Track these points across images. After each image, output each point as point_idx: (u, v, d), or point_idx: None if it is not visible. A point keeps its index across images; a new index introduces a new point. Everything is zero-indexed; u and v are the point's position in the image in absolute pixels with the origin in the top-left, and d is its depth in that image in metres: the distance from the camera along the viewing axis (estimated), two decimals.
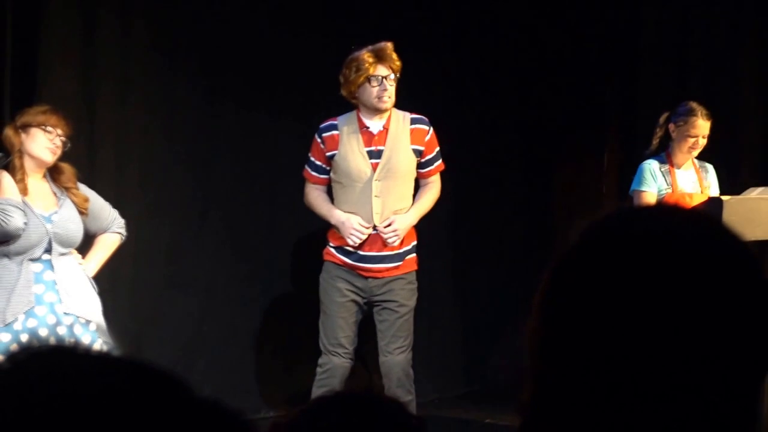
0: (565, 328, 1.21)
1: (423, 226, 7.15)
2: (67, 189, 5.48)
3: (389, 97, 6.00)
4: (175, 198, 7.18)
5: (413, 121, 6.16)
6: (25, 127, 5.36)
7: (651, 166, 6.42)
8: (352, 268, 6.08)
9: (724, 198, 6.13)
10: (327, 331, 6.10)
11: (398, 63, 6.03)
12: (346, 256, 6.07)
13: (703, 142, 6.38)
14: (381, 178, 6.04)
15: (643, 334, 1.17)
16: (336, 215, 6.05)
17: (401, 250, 6.09)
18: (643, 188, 6.38)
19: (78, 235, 5.43)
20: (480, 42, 8.10)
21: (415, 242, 6.18)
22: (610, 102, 8.08)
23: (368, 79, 5.97)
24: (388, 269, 6.07)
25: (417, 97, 7.49)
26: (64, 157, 5.48)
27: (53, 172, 5.46)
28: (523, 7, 8.23)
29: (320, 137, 6.11)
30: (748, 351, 1.19)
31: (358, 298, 6.10)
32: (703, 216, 1.32)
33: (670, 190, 6.36)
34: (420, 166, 6.20)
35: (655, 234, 1.23)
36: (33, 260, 5.26)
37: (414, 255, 6.18)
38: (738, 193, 6.28)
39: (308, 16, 7.30)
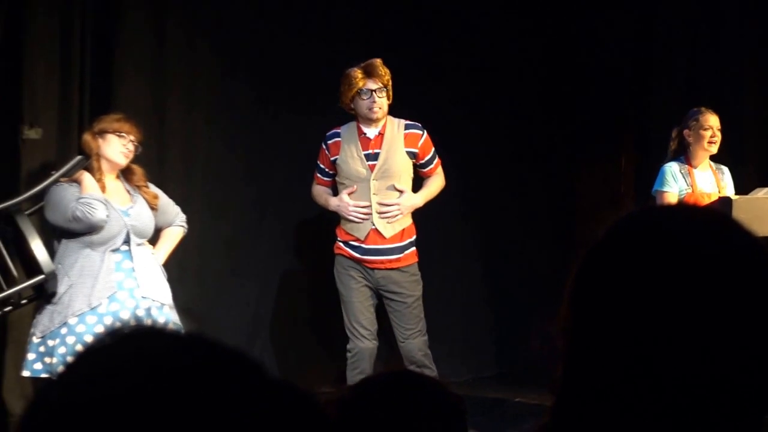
0: (593, 313, 1.22)
1: (457, 220, 7.16)
2: (138, 187, 5.57)
3: (379, 108, 6.07)
4: (235, 196, 7.24)
5: (407, 127, 6.22)
6: (102, 133, 5.45)
7: (672, 168, 6.35)
8: (358, 261, 6.14)
9: (734, 197, 6.11)
10: (349, 317, 6.17)
11: (387, 77, 6.09)
12: (353, 250, 6.15)
13: (718, 134, 6.29)
14: (378, 178, 6.12)
15: (665, 320, 1.17)
16: (331, 201, 6.24)
17: (401, 244, 6.14)
18: (665, 189, 6.31)
19: (151, 227, 5.53)
20: (512, 55, 8.08)
21: (414, 237, 6.21)
22: (627, 110, 8.04)
23: (359, 93, 6.06)
24: (389, 261, 6.11)
25: (452, 101, 7.50)
26: (136, 159, 5.55)
27: (126, 173, 5.56)
28: (552, 23, 8.20)
29: (325, 144, 6.24)
30: (761, 337, 1.20)
31: (370, 284, 6.16)
32: (718, 214, 1.32)
33: (690, 190, 6.27)
34: (421, 166, 6.29)
35: (676, 230, 1.24)
36: (113, 251, 5.33)
37: (414, 249, 6.21)
38: (745, 193, 6.25)
39: (353, 39, 7.30)
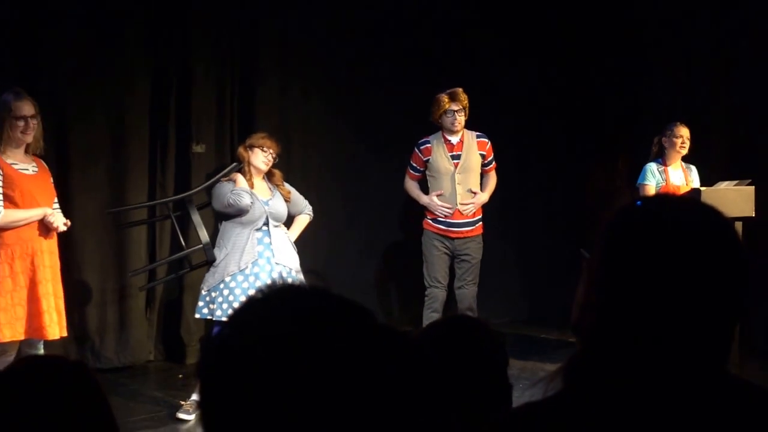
0: (620, 272, 1.20)
1: (504, 204, 7.10)
2: (277, 186, 5.56)
3: (459, 124, 6.07)
4: (343, 194, 7.31)
5: (478, 136, 6.21)
6: (251, 147, 5.46)
7: (651, 167, 6.26)
8: (442, 233, 6.12)
9: (702, 189, 6.01)
10: (429, 272, 6.17)
11: (465, 101, 6.07)
12: (439, 224, 6.13)
13: (687, 143, 6.20)
14: (460, 172, 6.12)
15: (668, 273, 1.17)
16: (422, 198, 6.22)
17: (473, 219, 6.15)
18: (646, 182, 6.23)
19: (284, 214, 5.51)
20: (545, 89, 8.00)
21: (481, 215, 6.21)
22: (623, 127, 7.92)
23: (444, 113, 6.05)
24: (466, 231, 6.12)
25: (505, 125, 7.43)
26: (274, 165, 5.57)
27: (268, 175, 5.55)
28: (571, 68, 8.09)
29: (418, 149, 6.21)
30: (729, 289, 1.18)
31: (447, 252, 6.14)
32: (697, 200, 1.32)
33: (664, 184, 6.18)
34: (484, 165, 6.25)
35: (672, 211, 1.24)
36: (257, 230, 5.34)
37: (481, 223, 6.21)
38: (711, 185, 6.16)
39: (427, 81, 7.27)
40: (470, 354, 2.02)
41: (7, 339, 4.66)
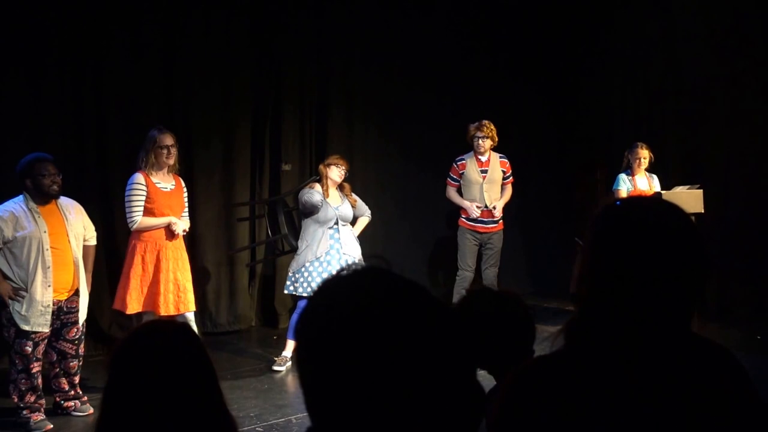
0: (605, 253, 1.18)
1: (515, 206, 6.99)
2: (346, 195, 5.47)
3: (482, 147, 5.94)
4: (391, 202, 7.19)
5: (501, 157, 6.08)
6: (328, 164, 5.38)
7: (622, 176, 6.13)
8: (473, 228, 6.00)
9: (662, 192, 5.91)
10: (461, 258, 6.05)
11: (488, 130, 5.93)
12: (470, 221, 6.01)
13: (646, 161, 6.08)
14: (487, 182, 5.98)
15: (641, 252, 1.14)
16: (463, 202, 6.04)
17: (496, 218, 6.01)
18: (619, 188, 6.09)
19: (350, 216, 5.42)
20: (544, 118, 7.89)
21: (501, 215, 6.06)
22: (601, 146, 7.79)
23: (472, 138, 5.95)
24: (491, 227, 6.00)
25: (520, 143, 7.33)
26: (344, 180, 5.52)
27: (340, 187, 5.45)
28: (562, 99, 7.98)
29: (456, 164, 6.08)
30: (690, 265, 1.15)
31: (477, 243, 6.02)
32: (662, 200, 1.28)
33: (632, 189, 6.06)
34: (504, 179, 6.10)
35: (644, 207, 1.21)
36: (329, 228, 5.28)
37: (501, 221, 6.07)
38: (669, 189, 6.03)
39: (455, 113, 7.23)
40: (503, 314, 1.93)
41: (134, 311, 4.59)
